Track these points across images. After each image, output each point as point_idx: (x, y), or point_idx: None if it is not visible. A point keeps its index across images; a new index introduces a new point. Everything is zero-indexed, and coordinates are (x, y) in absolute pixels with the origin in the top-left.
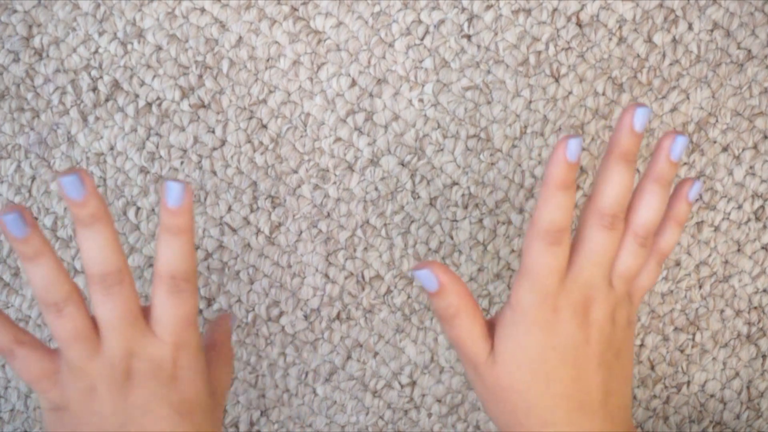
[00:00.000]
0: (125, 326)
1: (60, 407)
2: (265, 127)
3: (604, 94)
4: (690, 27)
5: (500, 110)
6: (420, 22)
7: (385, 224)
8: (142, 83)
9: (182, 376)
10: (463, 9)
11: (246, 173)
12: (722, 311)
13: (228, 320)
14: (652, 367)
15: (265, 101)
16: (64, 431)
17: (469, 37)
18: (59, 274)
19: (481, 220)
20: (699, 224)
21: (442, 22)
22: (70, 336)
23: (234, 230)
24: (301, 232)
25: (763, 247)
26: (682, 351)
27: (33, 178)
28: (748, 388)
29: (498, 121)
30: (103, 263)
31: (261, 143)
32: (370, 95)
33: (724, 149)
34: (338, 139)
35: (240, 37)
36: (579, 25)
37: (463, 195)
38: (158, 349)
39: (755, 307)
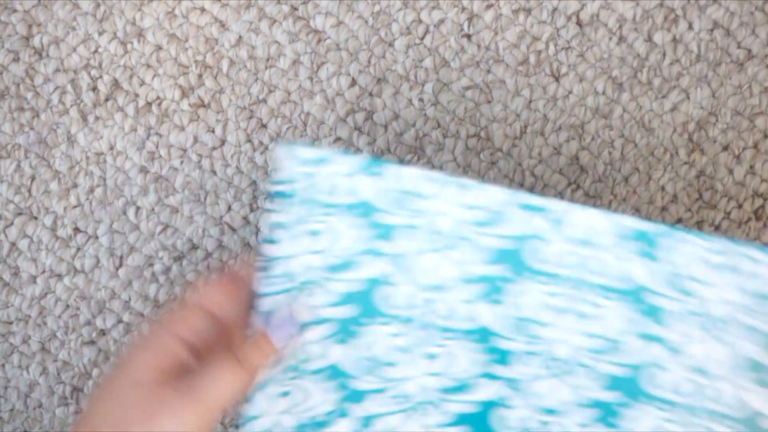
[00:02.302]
0: None
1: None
2: (265, 126)
3: (604, 93)
4: (690, 26)
5: (500, 109)
6: (420, 21)
7: None
8: (142, 83)
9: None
10: (463, 8)
11: (246, 173)
12: None
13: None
14: None
15: (264, 101)
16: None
17: (469, 36)
18: None
19: None
20: (699, 223)
21: (442, 21)
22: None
23: (234, 230)
24: None
25: None
26: None
27: (33, 178)
28: None
29: (498, 121)
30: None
31: (261, 143)
32: (370, 95)
33: (725, 148)
34: (338, 139)
35: (240, 37)
36: (579, 24)
37: None
38: None
39: None
